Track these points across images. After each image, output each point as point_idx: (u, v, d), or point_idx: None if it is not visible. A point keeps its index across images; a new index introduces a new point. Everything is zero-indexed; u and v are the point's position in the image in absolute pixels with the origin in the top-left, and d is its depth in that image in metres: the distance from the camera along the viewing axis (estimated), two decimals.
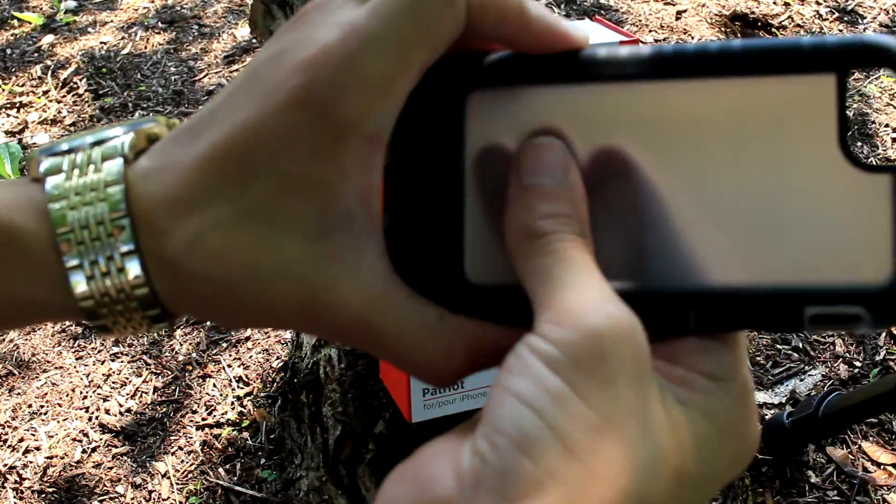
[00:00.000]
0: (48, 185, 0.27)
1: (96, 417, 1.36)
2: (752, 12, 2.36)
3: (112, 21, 2.49)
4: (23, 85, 2.19)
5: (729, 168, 0.27)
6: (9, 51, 2.36)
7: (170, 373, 1.43)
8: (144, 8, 2.56)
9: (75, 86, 2.18)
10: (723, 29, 2.31)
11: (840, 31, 2.32)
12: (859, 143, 1.94)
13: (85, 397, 1.39)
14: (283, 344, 1.46)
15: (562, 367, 0.24)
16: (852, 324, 0.26)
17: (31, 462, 1.30)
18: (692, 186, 0.27)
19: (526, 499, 0.23)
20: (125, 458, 1.30)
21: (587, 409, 0.24)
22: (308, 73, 0.26)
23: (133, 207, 0.26)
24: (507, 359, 0.25)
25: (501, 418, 0.24)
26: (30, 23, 2.49)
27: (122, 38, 2.40)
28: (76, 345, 1.48)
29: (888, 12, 2.41)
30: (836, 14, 2.38)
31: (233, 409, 1.36)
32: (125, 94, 2.15)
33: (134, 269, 0.27)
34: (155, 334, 1.48)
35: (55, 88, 2.18)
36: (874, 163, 0.28)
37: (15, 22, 2.50)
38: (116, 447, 1.32)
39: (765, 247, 0.27)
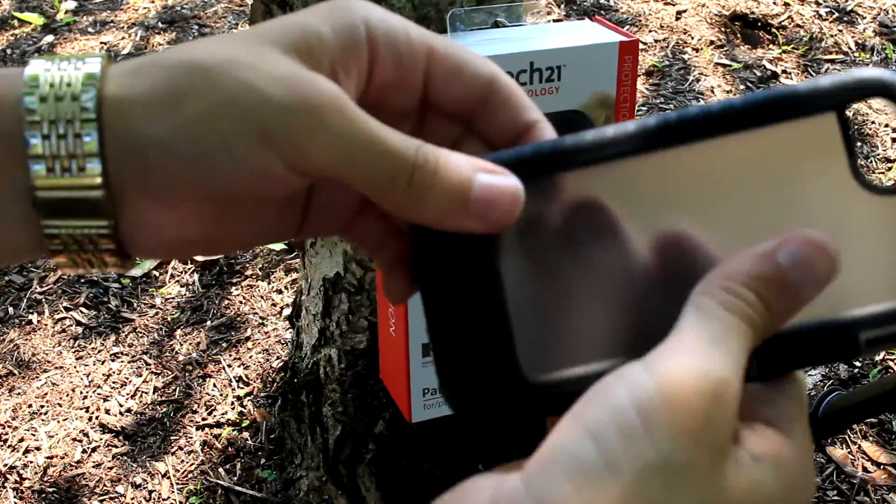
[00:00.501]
0: (27, 68, 0.28)
1: (96, 417, 1.36)
2: (752, 12, 2.36)
3: (112, 21, 2.49)
4: None
5: (759, 217, 0.28)
6: (9, 51, 2.36)
7: (170, 373, 1.43)
8: (145, 8, 2.56)
9: None
10: (723, 29, 2.31)
11: (839, 31, 2.32)
12: (859, 143, 1.94)
13: (85, 397, 1.39)
14: (283, 344, 1.47)
15: (644, 404, 0.24)
16: None
17: (31, 462, 1.30)
18: (732, 240, 0.28)
19: None
20: (125, 458, 1.30)
21: (653, 450, 0.24)
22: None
23: (102, 92, 0.28)
24: (590, 388, 0.25)
25: (560, 443, 0.24)
26: (30, 23, 2.49)
27: (123, 38, 2.40)
28: (76, 345, 1.48)
29: (888, 12, 2.41)
30: (836, 14, 2.38)
31: (233, 409, 1.36)
32: None
33: (90, 138, 0.27)
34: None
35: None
36: (885, 184, 0.28)
37: (15, 22, 2.50)
38: (116, 447, 1.32)
39: None
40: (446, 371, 0.29)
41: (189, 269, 1.63)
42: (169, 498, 1.25)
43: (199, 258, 1.63)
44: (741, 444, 0.26)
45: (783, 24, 2.33)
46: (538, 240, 0.29)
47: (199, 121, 0.27)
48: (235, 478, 1.26)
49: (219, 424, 1.34)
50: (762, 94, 0.28)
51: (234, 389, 1.39)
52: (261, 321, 1.51)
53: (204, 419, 1.35)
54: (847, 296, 0.28)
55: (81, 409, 1.38)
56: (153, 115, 0.27)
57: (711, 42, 2.26)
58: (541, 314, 0.29)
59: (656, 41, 2.27)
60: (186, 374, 1.42)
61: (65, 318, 1.54)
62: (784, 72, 2.16)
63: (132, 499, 1.24)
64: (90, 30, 2.45)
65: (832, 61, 2.21)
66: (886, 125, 1.99)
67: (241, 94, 0.27)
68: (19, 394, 1.40)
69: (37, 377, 1.43)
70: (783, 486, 0.26)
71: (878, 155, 1.90)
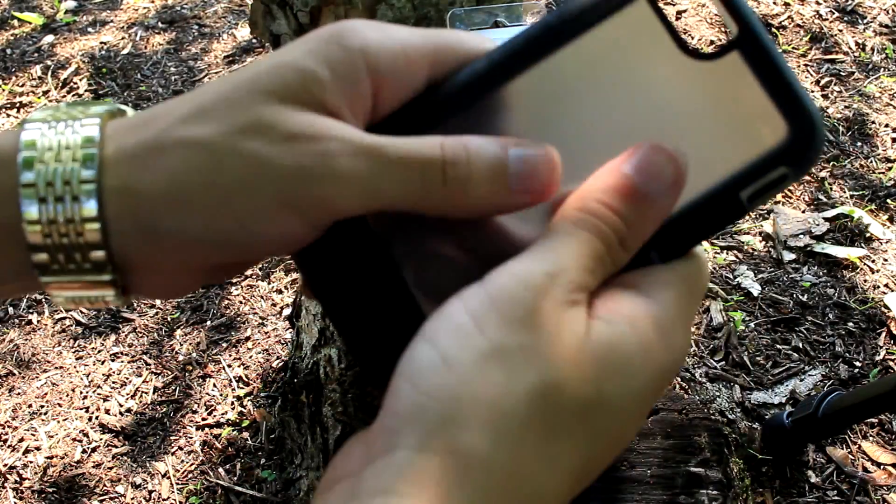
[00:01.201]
0: (25, 126, 0.28)
1: (96, 417, 1.36)
2: None
3: (112, 21, 2.49)
4: (23, 85, 2.19)
5: (615, 117, 0.30)
6: (9, 51, 2.36)
7: (170, 373, 1.43)
8: (145, 8, 2.56)
9: (75, 86, 2.18)
10: (723, 29, 2.31)
11: (840, 31, 2.32)
12: (859, 143, 1.94)
13: (85, 397, 1.39)
14: (283, 344, 1.46)
15: (474, 308, 0.26)
16: (782, 183, 0.28)
17: (31, 462, 1.30)
18: (597, 150, 0.29)
19: (404, 424, 0.24)
20: (125, 458, 1.30)
21: (483, 339, 0.25)
22: None
23: (102, 151, 0.27)
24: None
25: (405, 356, 0.26)
26: (30, 23, 2.49)
27: (123, 38, 2.40)
28: (76, 345, 1.48)
29: (888, 12, 2.41)
30: (836, 14, 2.38)
31: (233, 409, 1.36)
32: (125, 94, 2.15)
33: (90, 204, 0.27)
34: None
35: (55, 88, 2.18)
36: (711, 49, 0.30)
37: (15, 22, 2.50)
38: (116, 447, 1.32)
39: None
40: (362, 356, 0.29)
41: None
42: (169, 498, 1.24)
43: None
44: (592, 313, 0.27)
45: (783, 24, 2.33)
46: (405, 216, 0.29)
47: (211, 208, 0.27)
48: (235, 478, 1.26)
49: (219, 424, 1.34)
50: (569, 6, 0.30)
51: (234, 389, 1.39)
52: (261, 321, 1.51)
53: (204, 419, 1.35)
54: (717, 161, 0.29)
55: (81, 409, 1.37)
56: (159, 205, 0.27)
57: (711, 42, 2.26)
58: (437, 280, 0.30)
59: None
60: (186, 374, 1.42)
61: (65, 318, 1.54)
62: None
63: (132, 499, 1.24)
64: (90, 30, 2.45)
65: (832, 61, 2.21)
66: (886, 125, 1.99)
67: (249, 173, 0.27)
68: (19, 394, 1.40)
69: (37, 377, 1.43)
70: (641, 344, 0.26)
71: (878, 155, 1.90)
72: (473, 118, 0.30)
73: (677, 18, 2.35)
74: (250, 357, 1.45)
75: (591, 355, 0.26)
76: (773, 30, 2.30)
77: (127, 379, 1.42)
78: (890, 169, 1.86)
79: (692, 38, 2.27)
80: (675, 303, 0.28)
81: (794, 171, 0.29)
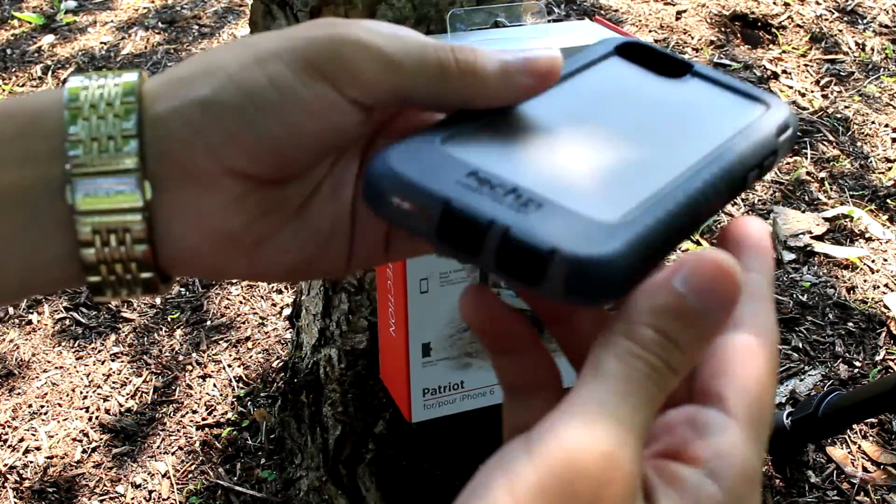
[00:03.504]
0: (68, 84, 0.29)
1: (96, 417, 1.36)
2: (752, 12, 2.36)
3: (112, 21, 2.49)
4: (23, 85, 2.19)
5: (616, 122, 0.32)
6: (9, 51, 2.36)
7: (170, 373, 1.43)
8: (144, 8, 2.56)
9: None
10: (723, 29, 2.31)
11: (840, 31, 2.32)
12: (859, 143, 1.94)
13: (85, 397, 1.39)
14: (283, 344, 1.46)
15: (520, 492, 0.22)
16: (775, 157, 0.31)
17: (31, 462, 1.30)
18: (607, 147, 0.30)
19: None
20: (125, 458, 1.30)
21: None
22: None
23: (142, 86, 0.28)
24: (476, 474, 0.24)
25: None
26: (30, 23, 2.49)
27: (122, 38, 2.40)
28: (76, 345, 1.48)
29: (888, 12, 2.40)
30: (836, 14, 2.38)
31: (233, 409, 1.36)
32: None
33: (129, 125, 0.27)
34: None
35: (55, 88, 2.18)
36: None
37: (15, 22, 2.50)
38: (116, 447, 1.32)
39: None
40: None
41: None
42: (169, 498, 1.24)
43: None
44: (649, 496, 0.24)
45: (783, 24, 2.33)
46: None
47: (241, 71, 0.27)
48: (235, 478, 1.26)
49: (219, 424, 1.34)
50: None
51: (234, 389, 1.39)
52: (261, 321, 1.51)
53: (204, 419, 1.35)
54: (719, 147, 0.30)
55: (81, 408, 1.37)
56: (194, 83, 0.28)
57: (711, 42, 2.26)
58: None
59: (656, 41, 2.27)
60: (186, 373, 1.42)
61: (65, 318, 1.54)
62: (784, 72, 2.16)
63: (132, 499, 1.24)
64: (90, 30, 2.45)
65: (832, 61, 2.21)
66: (886, 125, 1.99)
67: (279, 44, 0.28)
68: (19, 394, 1.40)
69: (37, 377, 1.43)
70: None
71: (879, 155, 1.90)
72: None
73: (677, 18, 2.35)
74: (250, 357, 1.45)
75: None
76: (774, 30, 2.30)
77: (127, 379, 1.42)
78: (890, 169, 1.86)
79: (692, 38, 2.26)
80: (746, 472, 0.24)
81: (783, 144, 0.31)
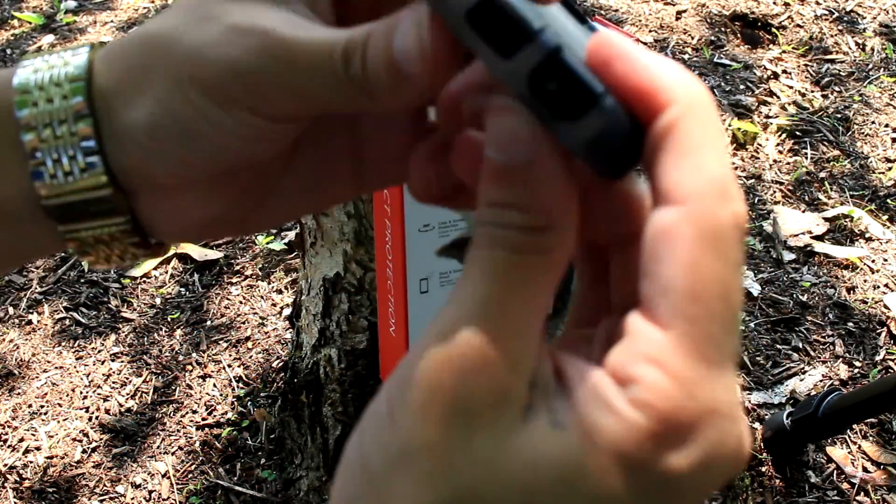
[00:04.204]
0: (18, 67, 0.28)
1: (96, 417, 1.36)
2: (752, 12, 2.36)
3: (112, 21, 2.49)
4: None
5: None
6: (9, 51, 2.36)
7: (170, 373, 1.43)
8: (144, 8, 2.56)
9: None
10: (723, 29, 2.31)
11: (840, 31, 2.32)
12: (859, 143, 1.94)
13: (85, 397, 1.39)
14: (283, 344, 1.46)
15: (393, 392, 0.22)
16: None
17: (31, 462, 1.30)
18: None
19: None
20: (125, 458, 1.30)
21: (393, 439, 0.21)
22: None
23: (92, 86, 0.28)
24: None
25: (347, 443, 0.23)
26: (30, 23, 2.49)
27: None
28: (76, 345, 1.48)
29: (888, 12, 2.40)
30: (836, 14, 2.38)
31: (233, 409, 1.36)
32: None
33: (77, 99, 0.27)
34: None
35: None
36: None
37: (15, 22, 2.50)
38: (116, 447, 1.32)
39: None
40: None
41: (189, 268, 1.63)
42: (169, 498, 1.24)
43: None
44: (548, 405, 0.21)
45: (783, 24, 2.33)
46: None
47: (169, 96, 0.27)
48: (235, 478, 1.26)
49: (219, 424, 1.34)
50: None
51: (234, 389, 1.39)
52: (261, 321, 1.51)
53: (204, 419, 1.35)
54: None
55: (81, 409, 1.37)
56: (131, 100, 0.27)
57: (711, 42, 2.26)
58: None
59: (656, 41, 2.27)
60: (186, 373, 1.42)
61: (65, 318, 1.54)
62: (784, 72, 2.16)
63: (132, 499, 1.24)
64: (90, 30, 2.45)
65: (832, 61, 2.21)
66: (886, 125, 1.99)
67: (190, 59, 0.27)
68: (19, 394, 1.40)
69: (37, 377, 1.43)
70: (581, 470, 0.20)
71: (879, 155, 1.90)
72: None
73: (677, 18, 2.35)
74: (250, 357, 1.45)
75: (509, 470, 0.20)
76: (773, 30, 2.30)
77: (127, 379, 1.42)
78: (890, 169, 1.86)
79: (692, 38, 2.27)
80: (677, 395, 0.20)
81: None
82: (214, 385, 1.40)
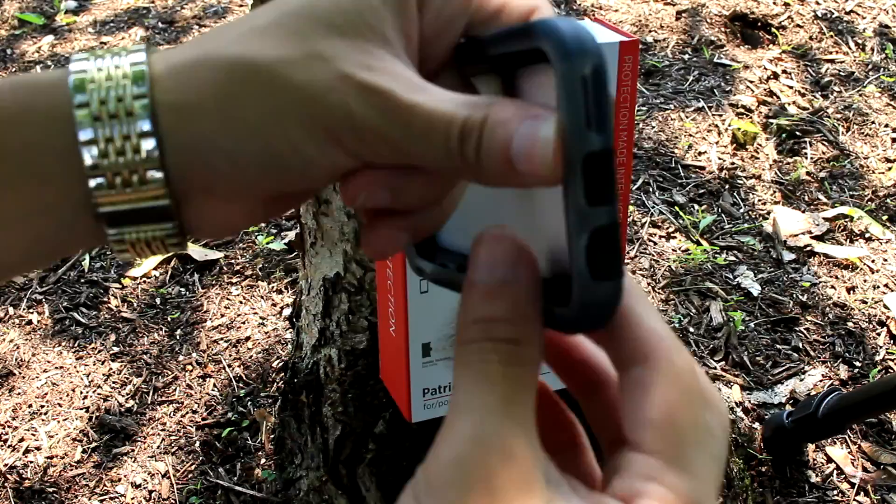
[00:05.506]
0: (72, 59, 0.28)
1: (96, 417, 1.36)
2: (752, 12, 2.36)
3: (112, 21, 2.49)
4: None
5: None
6: (9, 51, 2.36)
7: (170, 372, 1.43)
8: (144, 8, 2.56)
9: None
10: (723, 29, 2.31)
11: (840, 31, 2.32)
12: (859, 143, 1.94)
13: (85, 397, 1.39)
14: (283, 344, 1.47)
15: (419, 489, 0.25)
16: None
17: (31, 462, 1.30)
18: None
19: None
20: (125, 457, 1.30)
21: None
22: None
23: (152, 68, 0.28)
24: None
25: None
26: (30, 23, 2.49)
27: (122, 38, 2.40)
28: (76, 345, 1.48)
29: (888, 12, 2.41)
30: (836, 14, 2.38)
31: (233, 409, 1.36)
32: None
33: (144, 120, 0.27)
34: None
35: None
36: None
37: (15, 22, 2.50)
38: (117, 447, 1.32)
39: None
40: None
41: (189, 269, 1.63)
42: (169, 498, 1.25)
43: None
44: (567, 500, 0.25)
45: (783, 24, 2.33)
46: None
47: (264, 126, 0.27)
48: (235, 478, 1.26)
49: (219, 424, 1.34)
50: None
51: (234, 389, 1.39)
52: (261, 321, 1.51)
53: (204, 419, 1.35)
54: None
55: (81, 408, 1.37)
56: (213, 121, 0.27)
57: (711, 42, 2.26)
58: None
59: (656, 41, 2.27)
60: (187, 373, 1.42)
61: (65, 317, 1.54)
62: (784, 72, 2.16)
63: (132, 499, 1.24)
64: (90, 30, 2.45)
65: (832, 61, 2.21)
66: (886, 125, 1.99)
67: (301, 98, 0.27)
68: (19, 394, 1.40)
69: (37, 377, 1.43)
70: None
71: (879, 155, 1.91)
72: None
73: (677, 18, 2.35)
74: (250, 357, 1.45)
75: None
76: (773, 30, 2.30)
77: (127, 379, 1.42)
78: (890, 169, 1.86)
79: (692, 38, 2.27)
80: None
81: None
82: (214, 385, 1.40)
